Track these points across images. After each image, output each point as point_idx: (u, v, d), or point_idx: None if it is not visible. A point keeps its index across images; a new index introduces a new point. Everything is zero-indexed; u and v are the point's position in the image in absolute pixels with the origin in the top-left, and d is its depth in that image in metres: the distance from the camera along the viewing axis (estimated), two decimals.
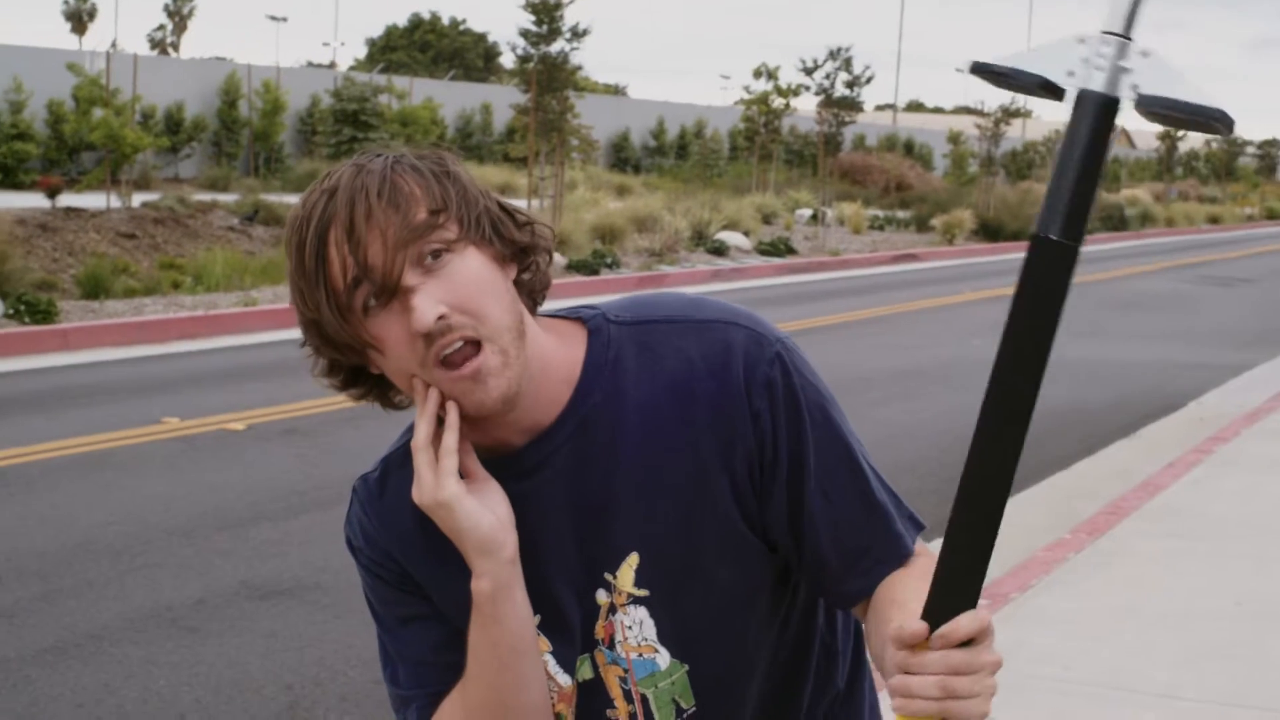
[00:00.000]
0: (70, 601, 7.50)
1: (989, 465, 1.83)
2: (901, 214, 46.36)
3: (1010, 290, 1.81)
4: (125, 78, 30.76)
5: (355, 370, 2.16)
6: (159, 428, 11.62)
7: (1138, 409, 13.98)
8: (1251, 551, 8.90)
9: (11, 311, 17.15)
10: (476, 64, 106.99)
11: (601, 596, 2.21)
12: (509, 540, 2.12)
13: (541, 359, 2.13)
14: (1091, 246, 43.96)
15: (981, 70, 1.84)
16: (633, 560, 2.19)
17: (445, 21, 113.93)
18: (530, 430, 2.17)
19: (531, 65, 25.94)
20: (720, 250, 31.22)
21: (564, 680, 2.25)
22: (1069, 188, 1.76)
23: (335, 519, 9.28)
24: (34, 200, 27.06)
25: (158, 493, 9.67)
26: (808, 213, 41.60)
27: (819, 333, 19.43)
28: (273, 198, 30.54)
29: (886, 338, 19.25)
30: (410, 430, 2.19)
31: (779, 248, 32.68)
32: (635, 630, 2.22)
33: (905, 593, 2.12)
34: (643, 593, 2.19)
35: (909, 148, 75.40)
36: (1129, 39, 1.77)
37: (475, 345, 2.04)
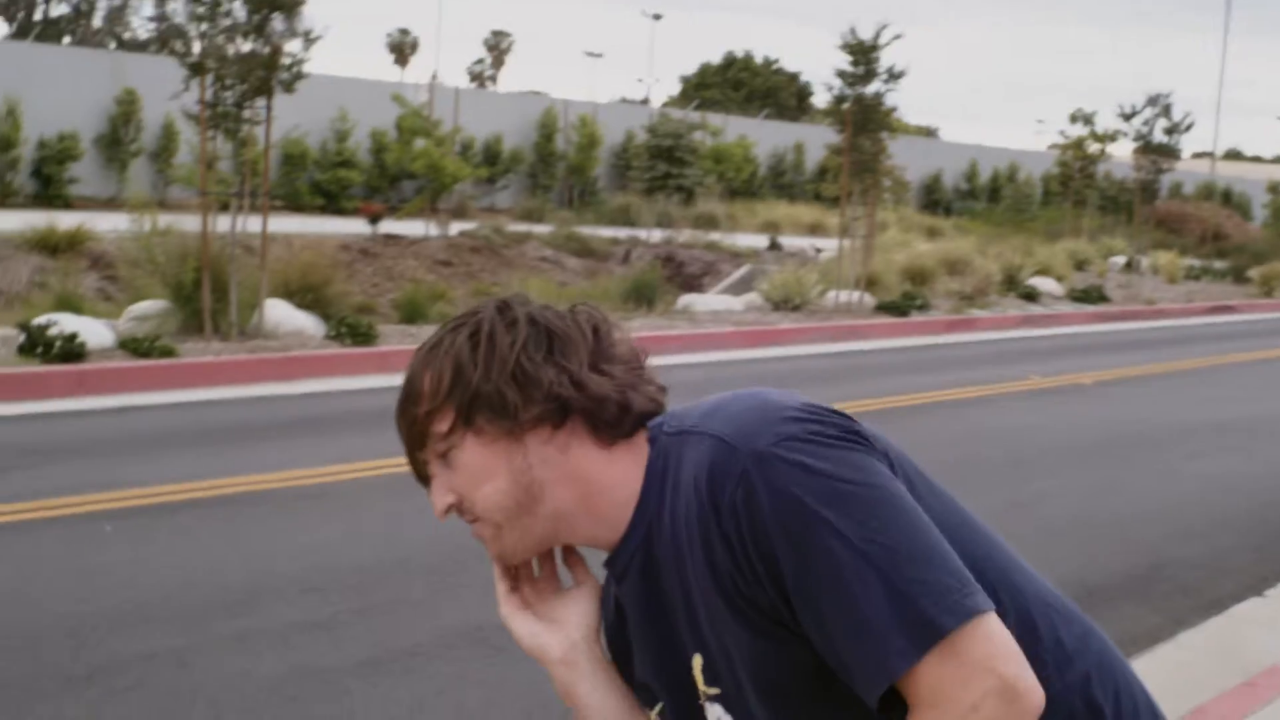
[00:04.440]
0: (386, 617, 7.68)
1: None
2: (1218, 264, 45.30)
3: None
4: (446, 109, 31.45)
5: None
6: None
7: None
8: None
9: (334, 333, 17.62)
10: (789, 103, 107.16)
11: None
12: (549, 644, 2.40)
13: (587, 495, 2.28)
14: None
15: None
16: (697, 661, 2.28)
17: (759, 60, 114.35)
18: (611, 544, 2.33)
19: (846, 105, 25.91)
20: (1031, 296, 30.80)
21: None
22: None
23: None
24: (355, 226, 27.84)
25: None
26: (1121, 260, 40.88)
27: (1133, 383, 19.06)
28: (586, 230, 30.94)
29: (1203, 390, 18.79)
30: None
31: (1092, 295, 32.13)
32: None
33: None
34: (714, 691, 2.28)
35: (1226, 197, 73.71)
36: None
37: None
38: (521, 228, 30.71)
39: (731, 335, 21.58)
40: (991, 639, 2.00)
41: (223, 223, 17.98)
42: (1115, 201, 55.20)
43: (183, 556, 8.60)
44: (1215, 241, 53.06)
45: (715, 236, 34.73)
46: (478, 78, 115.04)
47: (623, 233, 33.27)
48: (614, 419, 2.26)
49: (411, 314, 20.18)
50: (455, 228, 28.34)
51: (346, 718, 6.32)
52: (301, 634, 7.34)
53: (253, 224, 18.24)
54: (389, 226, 27.49)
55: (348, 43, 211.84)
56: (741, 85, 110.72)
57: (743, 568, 2.10)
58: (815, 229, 42.40)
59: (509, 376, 2.22)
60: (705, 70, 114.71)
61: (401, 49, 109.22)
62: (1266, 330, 29.36)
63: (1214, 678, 7.12)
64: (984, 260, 31.47)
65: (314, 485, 10.55)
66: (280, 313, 17.94)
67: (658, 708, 2.40)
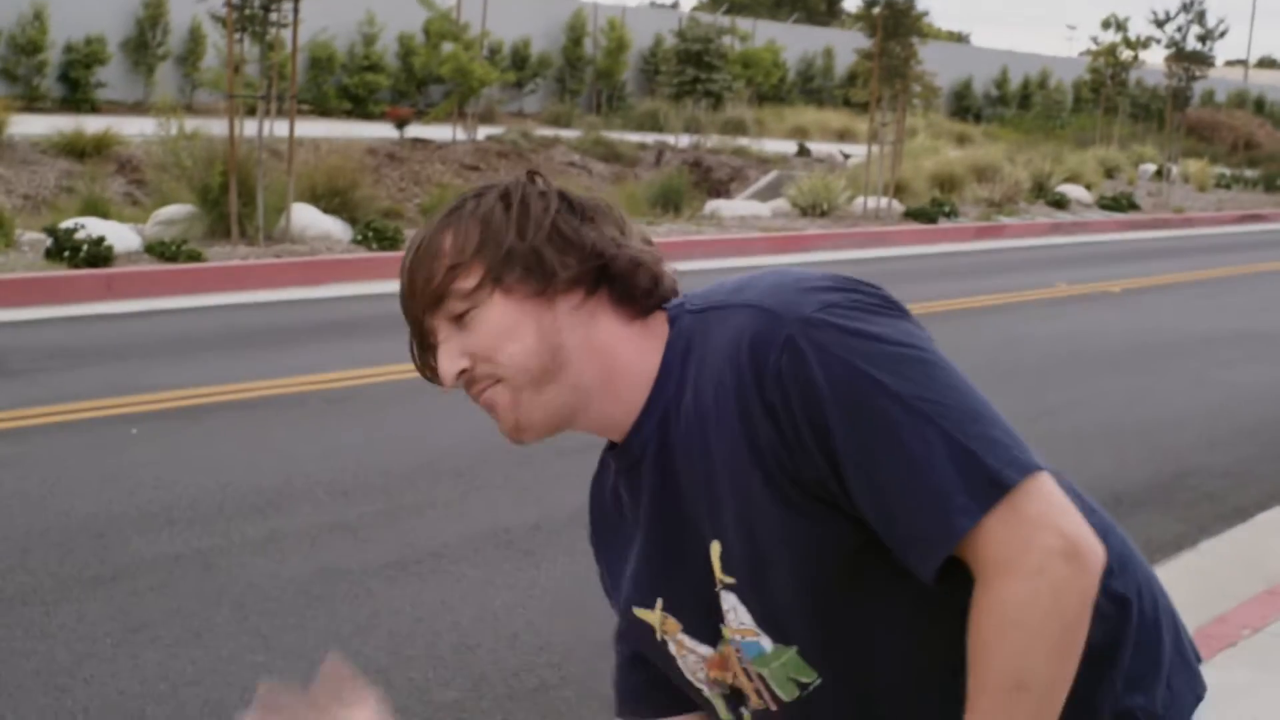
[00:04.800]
0: (412, 519, 7.71)
1: None
2: (1249, 173, 45.02)
3: None
4: (474, 13, 31.26)
5: None
6: None
7: None
8: None
9: (360, 238, 17.63)
10: (819, 7, 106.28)
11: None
12: None
13: (608, 370, 2.18)
14: None
15: None
16: (715, 548, 2.15)
17: None
18: (623, 429, 2.22)
19: (877, 10, 25.72)
20: (1060, 203, 30.67)
21: (705, 650, 2.26)
22: None
23: None
24: (383, 130, 27.78)
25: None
26: (1151, 168, 40.65)
27: (1162, 291, 19.01)
28: (614, 135, 30.85)
29: (1231, 299, 18.73)
30: None
31: (1121, 203, 31.98)
32: (734, 614, 2.18)
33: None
34: (730, 580, 2.15)
35: (1259, 105, 73.14)
36: None
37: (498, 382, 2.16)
38: (549, 132, 30.63)
39: (758, 241, 21.54)
40: (1050, 496, 1.95)
41: (249, 127, 17.96)
42: (1146, 109, 54.86)
43: (209, 459, 8.64)
44: (1247, 150, 52.70)
45: (743, 142, 34.58)
46: None
47: (650, 138, 33.17)
48: (647, 289, 2.19)
49: None
50: (482, 132, 28.27)
51: (372, 619, 6.36)
52: (328, 536, 7.38)
53: (279, 128, 18.28)
54: (416, 131, 27.39)
55: None
56: None
57: (789, 439, 2.00)
58: (844, 135, 42.18)
59: (545, 237, 2.14)
60: None
61: None
62: None
63: (1236, 585, 7.13)
64: (1013, 167, 31.30)
65: (340, 389, 10.59)
66: (306, 217, 17.94)
67: (659, 604, 2.28)
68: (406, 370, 8.51)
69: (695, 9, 73.67)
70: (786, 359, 2.00)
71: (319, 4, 18.28)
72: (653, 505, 2.22)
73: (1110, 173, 38.55)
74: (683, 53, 42.27)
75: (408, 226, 19.09)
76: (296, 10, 17.46)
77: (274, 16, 17.41)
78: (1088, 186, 33.39)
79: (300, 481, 8.26)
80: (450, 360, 2.16)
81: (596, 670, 5.80)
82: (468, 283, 2.12)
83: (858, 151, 32.57)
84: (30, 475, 8.13)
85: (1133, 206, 32.09)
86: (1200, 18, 36.24)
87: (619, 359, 2.18)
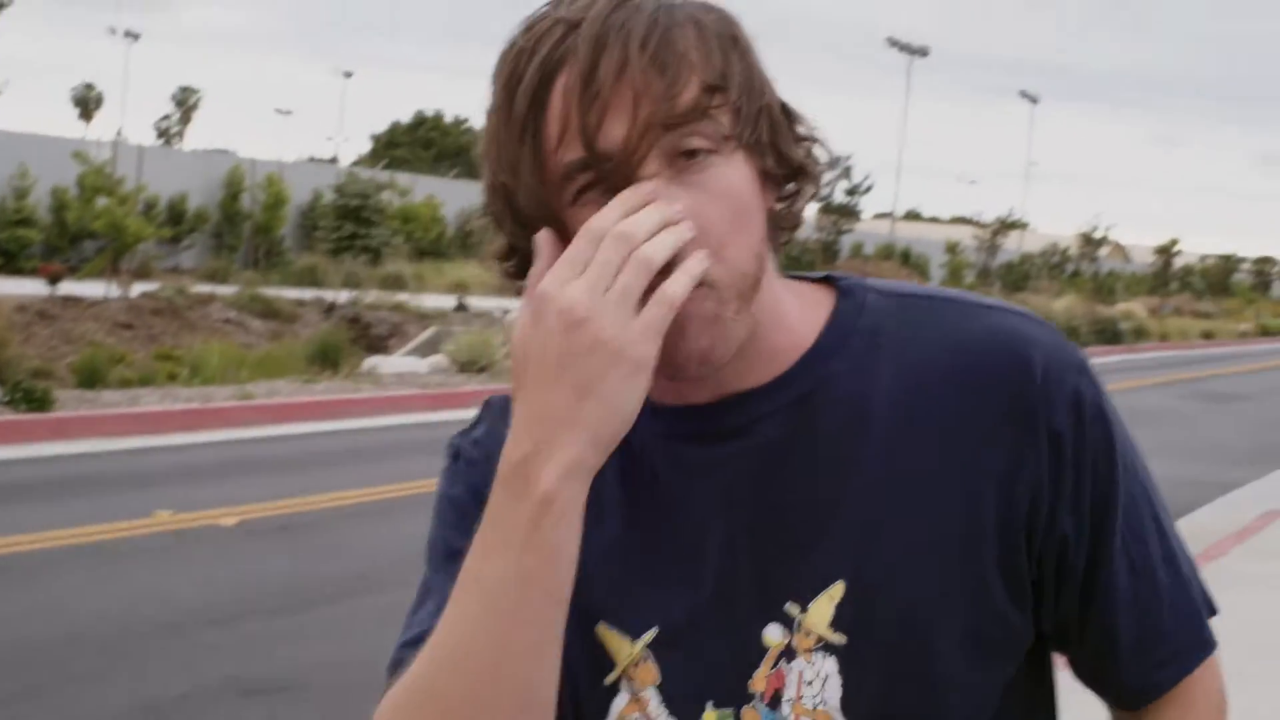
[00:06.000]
0: (56, 696, 7.51)
1: None
2: None
3: None
4: (130, 167, 30.98)
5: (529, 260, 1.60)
6: (151, 521, 11.64)
7: None
8: (1233, 668, 8.87)
9: (8, 399, 17.20)
10: (479, 162, 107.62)
11: (773, 634, 1.57)
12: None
13: (772, 313, 1.59)
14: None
15: None
16: (835, 592, 1.56)
17: (448, 119, 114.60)
18: (736, 389, 1.61)
19: None
20: None
21: None
22: None
23: (327, 618, 9.27)
24: (34, 287, 27.23)
25: (147, 586, 9.69)
26: None
27: None
28: (272, 291, 30.71)
29: None
30: None
31: None
32: (814, 689, 1.56)
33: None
34: (838, 639, 1.55)
35: (905, 257, 75.72)
36: None
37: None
38: (206, 289, 30.32)
39: (417, 398, 21.52)
40: None
41: None
42: (799, 262, 56.38)
43: None
44: None
45: (403, 297, 34.69)
46: (165, 134, 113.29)
47: (308, 294, 33.07)
48: (795, 224, 1.66)
49: (90, 378, 19.76)
50: (137, 289, 27.86)
51: None
52: None
53: None
54: (69, 288, 26.94)
55: (31, 97, 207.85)
56: (431, 144, 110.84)
57: (1065, 477, 1.56)
58: (504, 290, 42.55)
59: (781, 108, 1.57)
60: (395, 129, 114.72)
61: (86, 104, 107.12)
62: None
63: None
64: None
65: None
66: None
67: (646, 636, 1.59)
68: (51, 538, 8.36)
69: (356, 164, 73.92)
70: (1088, 386, 1.59)
71: None
72: (722, 506, 1.60)
73: None
74: (341, 208, 42.47)
75: (58, 387, 18.67)
76: None
77: None
78: None
79: None
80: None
81: None
82: (723, 119, 1.49)
83: (519, 306, 32.88)
84: None
85: None
86: (847, 173, 37.61)
87: (782, 303, 1.63)
